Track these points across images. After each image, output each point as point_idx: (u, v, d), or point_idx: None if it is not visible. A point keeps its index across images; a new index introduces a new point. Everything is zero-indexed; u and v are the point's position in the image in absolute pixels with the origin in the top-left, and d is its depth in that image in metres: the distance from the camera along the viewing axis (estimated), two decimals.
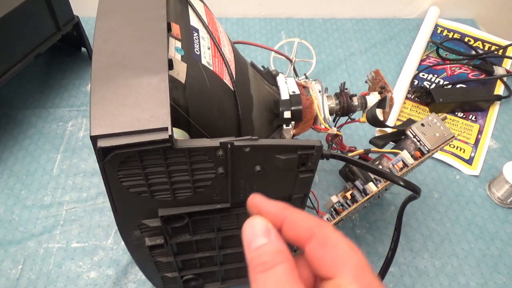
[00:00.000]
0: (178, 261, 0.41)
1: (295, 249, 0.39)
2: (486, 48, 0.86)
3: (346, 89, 0.50)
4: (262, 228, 0.21)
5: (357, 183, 0.46)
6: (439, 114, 0.47)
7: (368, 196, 0.45)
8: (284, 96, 0.45)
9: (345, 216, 0.46)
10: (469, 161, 0.66)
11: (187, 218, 0.35)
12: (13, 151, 0.64)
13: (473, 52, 0.84)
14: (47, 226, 0.56)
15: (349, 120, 0.52)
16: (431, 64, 0.81)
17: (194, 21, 0.40)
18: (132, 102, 0.28)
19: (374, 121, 0.47)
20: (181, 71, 0.34)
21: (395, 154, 0.46)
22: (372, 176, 0.46)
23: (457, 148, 0.68)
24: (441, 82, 0.78)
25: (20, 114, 0.69)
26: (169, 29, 0.34)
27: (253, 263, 0.21)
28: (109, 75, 0.29)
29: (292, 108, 0.45)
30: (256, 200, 0.23)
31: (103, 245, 0.55)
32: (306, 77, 0.52)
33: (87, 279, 0.52)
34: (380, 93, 0.50)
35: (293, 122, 0.46)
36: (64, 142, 0.65)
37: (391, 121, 0.69)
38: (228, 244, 0.41)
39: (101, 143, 0.26)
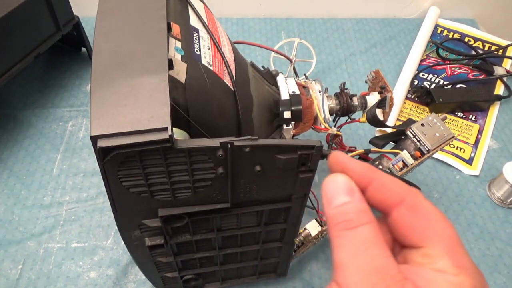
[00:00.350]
0: (178, 261, 0.41)
1: None
2: (486, 48, 0.86)
3: (346, 89, 0.50)
4: (345, 186, 0.20)
5: None
6: (439, 114, 0.47)
7: None
8: (284, 96, 0.45)
9: None
10: (469, 161, 0.66)
11: (187, 218, 0.35)
12: (13, 151, 0.64)
13: (473, 52, 0.84)
14: (47, 226, 0.56)
15: (349, 120, 0.52)
16: (431, 64, 0.81)
17: (194, 21, 0.40)
18: (132, 102, 0.28)
19: (374, 121, 0.47)
20: (181, 71, 0.34)
21: (395, 154, 0.46)
22: None
23: (457, 148, 0.68)
24: (441, 82, 0.78)
25: (20, 114, 0.69)
26: (169, 29, 0.34)
27: (336, 219, 0.20)
28: (109, 75, 0.29)
29: (292, 108, 0.45)
30: (340, 157, 0.22)
31: (103, 245, 0.55)
32: (306, 77, 0.52)
33: (87, 279, 0.52)
34: (380, 93, 0.50)
35: (293, 122, 0.46)
36: (64, 142, 0.65)
37: (391, 121, 0.69)
38: (228, 244, 0.41)
39: (101, 143, 0.26)
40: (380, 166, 0.46)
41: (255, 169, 0.32)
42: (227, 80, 0.39)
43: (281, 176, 0.34)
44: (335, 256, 0.19)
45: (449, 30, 0.89)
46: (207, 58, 0.38)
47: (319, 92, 0.48)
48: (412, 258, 0.20)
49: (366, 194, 0.21)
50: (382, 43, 0.86)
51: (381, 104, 0.49)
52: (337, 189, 0.21)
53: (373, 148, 0.49)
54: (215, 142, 0.29)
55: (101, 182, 0.32)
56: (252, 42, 0.58)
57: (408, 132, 0.46)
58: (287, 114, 0.45)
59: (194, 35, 0.38)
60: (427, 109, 0.74)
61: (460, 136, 0.70)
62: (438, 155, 0.66)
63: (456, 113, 0.74)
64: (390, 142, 0.50)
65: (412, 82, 0.77)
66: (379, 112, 0.49)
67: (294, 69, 0.57)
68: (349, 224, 0.20)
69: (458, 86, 0.77)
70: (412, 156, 0.45)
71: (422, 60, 0.82)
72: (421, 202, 0.20)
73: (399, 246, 0.21)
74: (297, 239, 0.46)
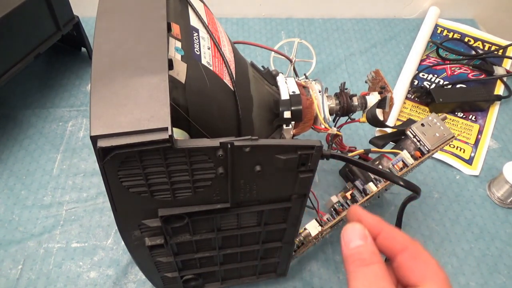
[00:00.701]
0: (178, 261, 0.41)
1: None
2: (486, 48, 0.86)
3: (346, 89, 0.50)
4: (361, 232, 0.26)
5: (357, 183, 0.46)
6: (439, 114, 0.48)
7: (368, 196, 0.45)
8: (284, 96, 0.45)
9: (345, 216, 0.46)
10: (469, 161, 0.66)
11: (187, 218, 0.35)
12: (13, 151, 0.64)
13: (473, 52, 0.84)
14: (47, 226, 0.56)
15: (349, 120, 0.52)
16: (431, 64, 0.81)
17: (194, 21, 0.40)
18: (132, 102, 0.28)
19: (374, 121, 0.47)
20: (181, 71, 0.34)
21: (395, 154, 0.46)
22: (372, 176, 0.46)
23: (457, 148, 0.68)
24: (441, 82, 0.78)
25: (20, 114, 0.69)
26: (169, 29, 0.34)
27: (353, 257, 0.25)
28: (109, 75, 0.29)
29: (292, 108, 0.45)
30: (357, 210, 0.28)
31: (103, 245, 0.55)
32: (306, 77, 0.52)
33: (87, 279, 0.52)
34: (380, 93, 0.50)
35: (293, 122, 0.46)
36: (64, 142, 0.65)
37: (391, 121, 0.69)
38: (228, 244, 0.41)
39: (101, 143, 0.26)
40: (380, 166, 0.46)
41: (255, 169, 0.32)
42: (227, 80, 0.39)
43: (281, 176, 0.34)
44: (351, 286, 0.24)
45: (449, 30, 0.89)
46: (207, 58, 0.38)
47: (319, 92, 0.48)
48: None
49: (376, 241, 0.26)
50: (382, 43, 0.86)
51: (381, 104, 0.49)
52: (354, 234, 0.26)
53: (373, 148, 0.49)
54: (215, 142, 0.29)
55: (101, 182, 0.32)
56: (252, 42, 0.58)
57: (408, 132, 0.46)
58: (287, 114, 0.45)
59: (194, 35, 0.38)
60: (427, 109, 0.74)
61: (460, 136, 0.70)
62: (438, 155, 0.66)
63: (456, 113, 0.74)
64: (390, 142, 0.50)
65: (412, 82, 0.77)
66: (379, 112, 0.49)
67: (294, 69, 0.57)
68: (364, 262, 0.25)
69: (458, 86, 0.77)
70: (412, 156, 0.45)
71: (422, 60, 0.82)
72: (421, 251, 0.26)
73: (401, 287, 0.26)
74: (297, 239, 0.46)
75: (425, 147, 0.45)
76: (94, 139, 0.27)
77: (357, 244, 0.25)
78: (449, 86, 0.77)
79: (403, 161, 0.45)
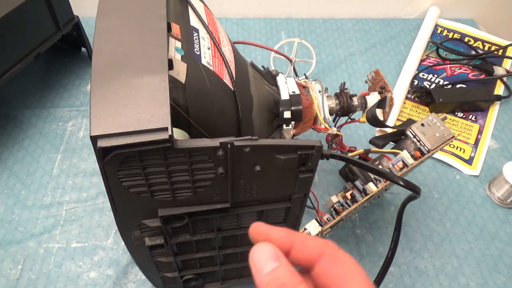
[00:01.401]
0: (178, 261, 0.41)
1: None
2: (486, 48, 0.86)
3: (346, 89, 0.50)
4: (272, 253, 0.22)
5: (357, 183, 0.46)
6: (439, 114, 0.48)
7: (368, 196, 0.45)
8: (284, 96, 0.45)
9: (345, 216, 0.46)
10: (469, 161, 0.66)
11: (187, 218, 0.35)
12: (13, 151, 0.64)
13: (473, 52, 0.84)
14: (47, 226, 0.56)
15: (349, 120, 0.52)
16: (431, 64, 0.81)
17: (194, 21, 0.40)
18: (132, 102, 0.28)
19: (374, 121, 0.47)
20: (181, 71, 0.34)
21: (395, 154, 0.46)
22: (372, 176, 0.46)
23: (457, 148, 0.68)
24: (441, 82, 0.78)
25: (20, 114, 0.69)
26: (169, 29, 0.34)
27: (271, 285, 0.21)
28: (109, 75, 0.29)
29: (292, 108, 0.45)
30: (260, 228, 0.24)
31: (103, 245, 0.55)
32: (306, 77, 0.52)
33: (87, 279, 0.52)
34: (380, 93, 0.50)
35: (293, 122, 0.46)
36: (64, 142, 0.65)
37: (391, 121, 0.69)
38: (228, 244, 0.41)
39: (101, 143, 0.26)
40: (380, 166, 0.46)
41: (255, 169, 0.32)
42: (227, 80, 0.39)
43: (281, 176, 0.34)
44: None
45: (449, 30, 0.89)
46: (207, 58, 0.38)
47: (319, 92, 0.48)
48: None
49: (290, 256, 0.23)
50: (382, 43, 0.86)
51: (381, 104, 0.49)
52: (265, 256, 0.22)
53: (373, 148, 0.49)
54: (215, 142, 0.29)
55: (101, 182, 0.32)
56: (252, 42, 0.59)
57: (408, 132, 0.46)
58: (287, 114, 0.45)
59: (194, 35, 0.38)
60: (427, 109, 0.74)
61: (460, 136, 0.70)
62: (438, 155, 0.66)
63: (456, 113, 0.74)
64: (390, 142, 0.50)
65: (412, 82, 0.77)
66: (379, 112, 0.49)
67: (294, 69, 0.57)
68: (285, 287, 0.21)
69: (458, 86, 0.77)
70: (412, 156, 0.45)
71: (422, 60, 0.82)
72: (338, 252, 0.23)
73: None
74: None
75: (425, 147, 0.45)
76: (94, 139, 0.27)
77: (271, 268, 0.21)
78: (449, 86, 0.77)
79: (403, 161, 0.45)
